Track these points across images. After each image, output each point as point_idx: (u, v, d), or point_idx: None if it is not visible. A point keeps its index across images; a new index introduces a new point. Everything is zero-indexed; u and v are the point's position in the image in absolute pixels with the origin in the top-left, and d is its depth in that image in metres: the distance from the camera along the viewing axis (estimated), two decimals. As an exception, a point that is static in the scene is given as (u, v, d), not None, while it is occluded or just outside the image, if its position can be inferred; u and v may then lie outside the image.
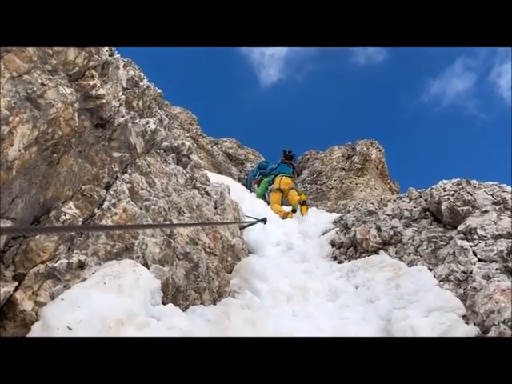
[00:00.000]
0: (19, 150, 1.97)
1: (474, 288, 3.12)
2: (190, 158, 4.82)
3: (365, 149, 13.50)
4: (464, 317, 2.96)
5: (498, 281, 2.99)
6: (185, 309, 2.94)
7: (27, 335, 1.89)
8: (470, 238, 3.73)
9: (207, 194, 4.67)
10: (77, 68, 2.51)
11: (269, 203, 8.96)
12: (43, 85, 2.17)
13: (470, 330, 2.75)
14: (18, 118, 1.95)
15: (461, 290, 3.25)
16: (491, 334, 2.59)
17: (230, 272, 4.15)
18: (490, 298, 2.84)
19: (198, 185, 4.61)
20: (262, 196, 9.53)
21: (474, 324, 2.83)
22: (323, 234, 6.01)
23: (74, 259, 2.31)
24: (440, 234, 4.14)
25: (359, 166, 13.15)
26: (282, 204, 8.89)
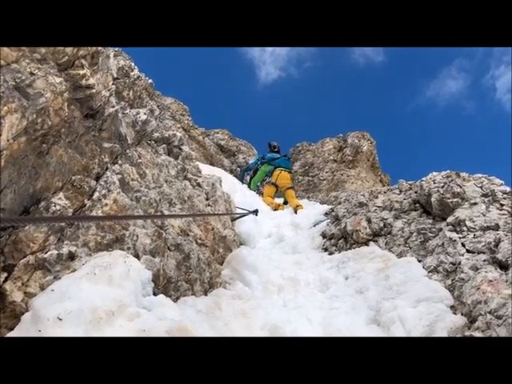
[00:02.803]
0: (8, 140, 1.95)
1: (462, 279, 3.17)
2: (181, 149, 4.80)
3: (356, 141, 13.53)
4: (452, 307, 3.01)
5: (486, 272, 3.04)
6: (176, 300, 2.95)
7: (17, 326, 1.89)
8: (458, 229, 3.77)
9: (199, 185, 4.66)
10: (66, 57, 2.47)
11: (261, 194, 8.96)
12: (32, 74, 2.14)
13: (457, 320, 2.80)
14: (6, 108, 1.93)
15: (449, 281, 3.30)
16: (478, 323, 2.64)
17: (221, 263, 4.17)
18: (478, 289, 2.89)
19: (190, 176, 4.60)
20: (256, 186, 9.46)
21: (462, 314, 2.88)
22: (314, 226, 6.04)
23: (65, 250, 2.30)
24: (429, 225, 4.19)
25: (350, 158, 13.18)
26: (274, 197, 8.89)
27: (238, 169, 11.90)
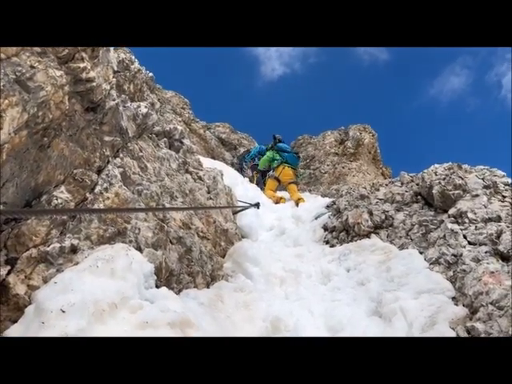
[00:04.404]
0: (9, 134, 1.95)
1: (464, 270, 3.17)
2: (182, 143, 4.79)
3: (358, 134, 13.51)
4: (453, 298, 3.01)
5: (487, 263, 3.04)
6: (178, 292, 2.96)
7: (20, 318, 1.90)
8: (460, 221, 3.77)
9: (200, 178, 4.66)
10: (66, 50, 2.46)
11: (254, 182, 9.10)
12: (32, 67, 2.14)
13: (458, 311, 2.80)
14: (7, 101, 1.93)
15: (450, 273, 3.30)
16: (479, 314, 2.65)
17: (223, 256, 4.18)
18: (479, 280, 2.89)
19: (191, 169, 4.60)
20: (260, 169, 9.61)
21: (463, 305, 2.88)
22: (316, 219, 6.04)
23: (67, 243, 2.31)
24: (431, 217, 4.18)
25: (352, 150, 13.16)
26: (275, 191, 8.93)
27: (237, 161, 11.82)
